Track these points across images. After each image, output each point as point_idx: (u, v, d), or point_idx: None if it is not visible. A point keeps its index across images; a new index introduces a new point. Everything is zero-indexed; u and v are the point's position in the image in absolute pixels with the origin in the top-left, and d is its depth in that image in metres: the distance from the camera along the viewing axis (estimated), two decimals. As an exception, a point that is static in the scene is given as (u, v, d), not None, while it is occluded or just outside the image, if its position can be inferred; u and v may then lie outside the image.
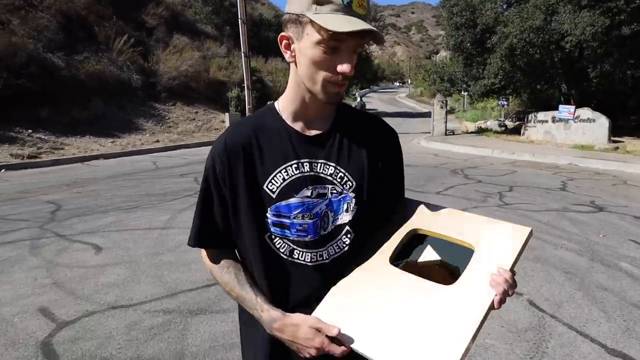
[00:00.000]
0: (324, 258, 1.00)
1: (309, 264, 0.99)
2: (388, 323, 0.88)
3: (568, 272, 3.72)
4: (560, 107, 13.35)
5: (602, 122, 12.31)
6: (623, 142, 12.36)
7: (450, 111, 23.67)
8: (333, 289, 0.98)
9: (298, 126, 1.02)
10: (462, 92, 20.27)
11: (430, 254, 0.97)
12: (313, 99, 0.99)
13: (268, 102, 1.10)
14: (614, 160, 9.75)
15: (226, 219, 1.03)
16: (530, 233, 0.90)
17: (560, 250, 4.24)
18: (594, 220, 5.29)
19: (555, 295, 3.28)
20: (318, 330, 0.89)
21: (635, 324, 2.88)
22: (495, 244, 0.91)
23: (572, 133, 12.94)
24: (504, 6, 15.29)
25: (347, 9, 0.88)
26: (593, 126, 12.49)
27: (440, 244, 0.98)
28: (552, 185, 7.52)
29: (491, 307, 0.83)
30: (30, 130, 11.69)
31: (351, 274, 0.99)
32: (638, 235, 4.70)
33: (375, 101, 47.60)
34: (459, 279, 0.89)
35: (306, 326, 0.90)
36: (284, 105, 1.03)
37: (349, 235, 1.01)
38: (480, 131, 17.43)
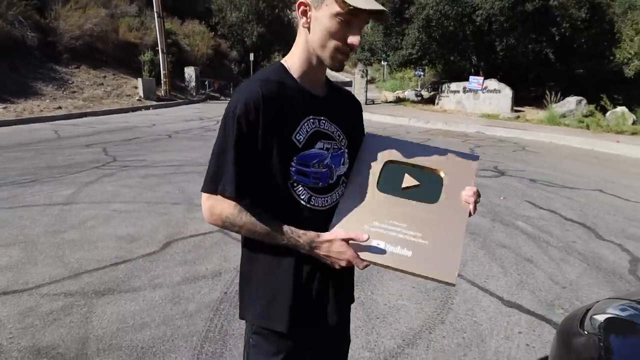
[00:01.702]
0: (329, 204, 1.15)
1: (320, 208, 1.14)
2: (394, 238, 1.09)
3: (473, 232, 4.01)
4: (471, 78, 14.16)
5: (507, 93, 13.28)
6: (523, 111, 13.46)
7: (371, 81, 24.14)
8: (336, 217, 1.13)
9: (307, 86, 1.13)
10: (382, 62, 20.67)
11: (409, 180, 1.19)
12: (320, 63, 1.11)
13: (275, 61, 1.17)
14: (515, 129, 10.61)
15: (258, 166, 1.06)
16: (477, 161, 1.22)
17: (466, 213, 4.54)
18: (496, 184, 5.73)
19: (461, 255, 3.51)
20: (347, 240, 1.06)
21: (527, 276, 3.18)
22: (458, 169, 1.18)
23: (480, 103, 13.82)
24: (421, -23, 15.61)
25: None
26: (499, 96, 13.43)
27: (410, 169, 1.20)
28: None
29: (469, 215, 1.12)
30: None
31: (346, 204, 1.15)
32: (532, 196, 5.18)
33: (298, 69, 47.11)
34: (441, 198, 1.14)
35: (338, 240, 1.06)
36: (294, 67, 1.12)
37: (344, 184, 1.19)
38: (399, 101, 18.02)
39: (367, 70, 17.28)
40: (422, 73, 18.19)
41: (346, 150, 1.19)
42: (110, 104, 14.42)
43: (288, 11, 34.89)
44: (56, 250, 3.46)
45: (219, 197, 1.06)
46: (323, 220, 1.13)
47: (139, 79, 16.16)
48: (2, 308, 2.61)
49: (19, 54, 14.03)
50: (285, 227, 1.07)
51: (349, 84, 21.03)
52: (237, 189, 1.04)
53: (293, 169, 1.08)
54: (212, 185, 1.07)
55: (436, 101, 15.45)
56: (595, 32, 13.21)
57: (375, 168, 1.20)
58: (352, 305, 2.71)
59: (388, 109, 15.05)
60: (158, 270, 3.17)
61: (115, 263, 3.25)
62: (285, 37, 35.33)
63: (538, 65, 14.47)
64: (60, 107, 12.79)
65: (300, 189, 1.10)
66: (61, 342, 2.30)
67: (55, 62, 15.34)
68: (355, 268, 1.15)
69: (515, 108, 13.39)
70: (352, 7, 0.98)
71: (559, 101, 12.39)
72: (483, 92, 13.73)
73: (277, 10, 32.41)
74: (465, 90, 14.26)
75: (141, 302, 2.73)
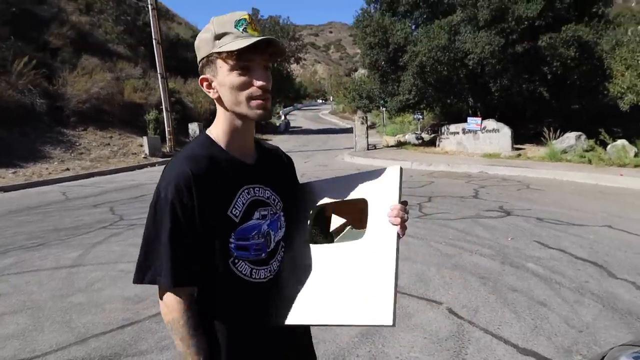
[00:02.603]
0: (271, 273, 1.13)
1: (264, 280, 1.11)
2: (325, 293, 1.05)
3: (482, 277, 3.95)
4: (469, 119, 14.39)
5: (505, 132, 13.45)
6: (524, 149, 13.57)
7: (372, 126, 24.57)
8: (277, 286, 1.13)
9: (237, 155, 1.11)
10: (381, 108, 21.14)
11: (337, 220, 1.18)
12: (245, 127, 1.10)
13: (200, 135, 1.15)
14: (517, 167, 10.66)
15: (198, 249, 1.02)
16: (401, 169, 1.09)
17: (474, 256, 4.50)
18: (503, 224, 5.70)
19: (472, 301, 3.46)
20: None
21: (542, 321, 3.10)
22: (379, 190, 1.08)
23: (480, 143, 13.98)
24: (413, 27, 16.26)
25: (245, 34, 1.02)
26: (498, 136, 13.60)
27: (340, 206, 1.19)
28: (466, 193, 8.02)
29: (398, 237, 1.02)
30: None
31: (283, 265, 1.16)
32: (541, 236, 5.13)
33: (299, 119, 48.11)
34: (367, 228, 1.06)
35: None
36: (219, 137, 1.10)
37: (282, 249, 1.18)
38: (400, 144, 18.25)
39: (366, 117, 17.65)
40: (420, 117, 18.55)
41: (282, 214, 1.18)
42: (117, 163, 14.69)
43: (286, 64, 36.23)
44: (63, 315, 3.44)
45: (171, 295, 1.01)
46: (265, 293, 1.11)
47: (145, 137, 16.53)
48: (8, 380, 2.57)
49: (28, 120, 14.50)
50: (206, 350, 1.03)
51: (350, 130, 21.40)
52: (175, 278, 0.99)
53: (232, 245, 1.05)
54: (139, 275, 1.02)
55: (437, 143, 15.64)
56: (586, 69, 13.53)
57: (305, 221, 1.18)
58: (364, 361, 2.65)
59: (390, 154, 15.23)
60: (165, 331, 3.12)
61: (122, 326, 3.22)
62: (284, 89, 36.52)
63: (533, 104, 14.75)
64: (68, 169, 13.04)
65: (241, 264, 1.07)
66: (68, 414, 2.25)
67: (63, 125, 15.81)
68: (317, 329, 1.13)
69: (515, 146, 13.52)
70: (235, 53, 0.98)
71: (558, 137, 12.52)
72: (482, 132, 13.92)
73: (275, 64, 33.62)
74: (464, 131, 14.47)
75: (149, 366, 2.68)
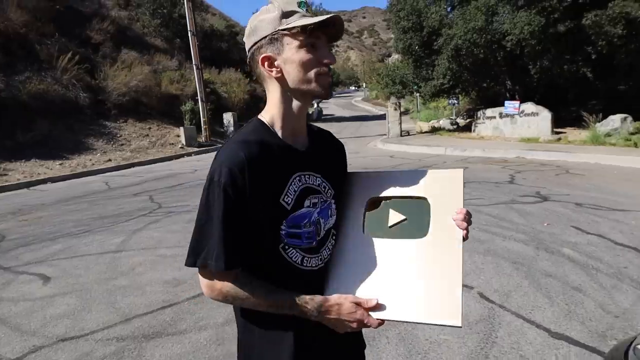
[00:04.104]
0: (322, 261, 1.13)
1: (315, 268, 1.11)
2: (392, 287, 1.04)
3: (515, 262, 3.90)
4: (506, 103, 13.96)
5: (545, 115, 12.97)
6: (565, 132, 13.05)
7: (405, 112, 24.23)
8: (331, 275, 1.12)
9: (289, 141, 1.10)
10: (414, 94, 20.80)
11: (396, 216, 1.13)
12: (300, 109, 1.10)
13: (253, 118, 1.14)
14: (556, 151, 10.29)
15: (249, 234, 1.02)
16: (463, 172, 1.12)
17: (508, 241, 4.43)
18: (539, 210, 5.56)
19: (504, 286, 3.42)
20: (357, 304, 1.03)
21: (576, 306, 3.05)
22: (442, 192, 1.11)
23: (518, 127, 13.55)
24: (448, 9, 15.84)
25: (307, 14, 1.05)
26: (537, 119, 13.13)
27: (395, 202, 1.16)
28: (501, 178, 7.84)
29: (463, 240, 1.05)
30: (-31, 158, 11.04)
31: (336, 254, 1.14)
32: (579, 221, 4.98)
33: (332, 106, 47.90)
34: (430, 228, 1.07)
35: (347, 302, 1.03)
36: (273, 122, 1.10)
37: (333, 237, 1.17)
38: (434, 130, 17.94)
39: (399, 103, 17.43)
40: (455, 101, 18.14)
41: (333, 201, 1.17)
42: (155, 154, 15.20)
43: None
44: (108, 297, 3.66)
45: (220, 276, 1.02)
46: (317, 282, 1.11)
47: (181, 128, 16.99)
48: (61, 354, 2.78)
49: (73, 113, 15.17)
50: (292, 296, 1.03)
51: (384, 117, 21.20)
52: (227, 262, 0.99)
53: (283, 232, 1.04)
54: (192, 259, 1.02)
55: (472, 128, 15.28)
56: (634, 47, 12.79)
57: (359, 211, 1.16)
58: (393, 342, 2.70)
59: (424, 140, 15.02)
60: (202, 312, 3.28)
61: (162, 307, 3.40)
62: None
63: (576, 85, 14.11)
64: (110, 160, 13.61)
65: (292, 251, 1.07)
66: (114, 386, 2.42)
67: (105, 118, 16.45)
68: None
69: (555, 130, 13.02)
70: (308, 28, 1.00)
71: (602, 120, 11.96)
72: (520, 116, 13.48)
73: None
74: (501, 116, 14.05)
75: (187, 344, 2.83)
